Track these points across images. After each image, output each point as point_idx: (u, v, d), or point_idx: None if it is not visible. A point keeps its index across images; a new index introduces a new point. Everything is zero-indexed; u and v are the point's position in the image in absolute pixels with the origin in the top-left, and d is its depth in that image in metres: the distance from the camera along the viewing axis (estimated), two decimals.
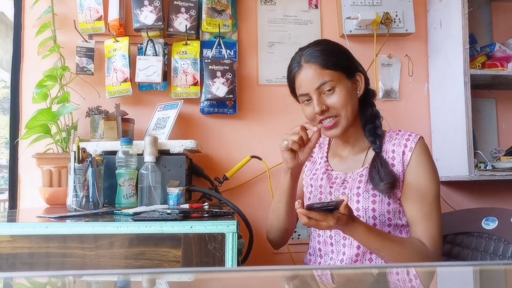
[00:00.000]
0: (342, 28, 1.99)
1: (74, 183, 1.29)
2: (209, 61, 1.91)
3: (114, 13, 1.86)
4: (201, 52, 1.95)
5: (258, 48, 2.02)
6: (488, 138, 2.11)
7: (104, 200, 1.43)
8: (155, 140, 1.47)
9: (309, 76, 1.24)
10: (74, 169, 1.30)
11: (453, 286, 0.66)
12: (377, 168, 1.23)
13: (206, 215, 1.18)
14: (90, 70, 1.86)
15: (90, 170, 1.30)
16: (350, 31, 2.00)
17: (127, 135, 1.75)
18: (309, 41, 1.33)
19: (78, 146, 1.32)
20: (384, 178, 1.21)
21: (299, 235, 1.94)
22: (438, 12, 2.01)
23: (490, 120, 2.13)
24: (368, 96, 1.32)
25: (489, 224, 1.36)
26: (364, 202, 1.24)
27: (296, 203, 1.06)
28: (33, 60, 1.88)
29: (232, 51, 1.98)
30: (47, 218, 1.16)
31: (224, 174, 1.84)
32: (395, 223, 1.25)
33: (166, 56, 1.93)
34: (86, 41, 1.89)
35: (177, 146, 1.59)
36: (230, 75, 1.89)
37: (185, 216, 1.12)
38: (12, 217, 1.32)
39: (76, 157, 1.30)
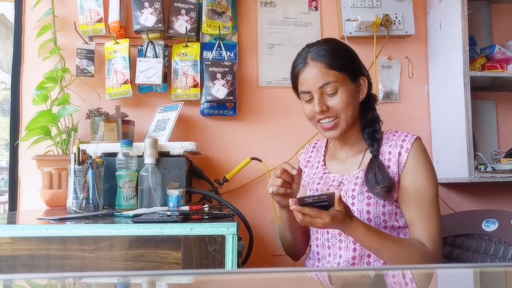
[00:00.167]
0: (342, 30, 1.99)
1: (74, 185, 1.29)
2: (209, 63, 1.91)
3: (114, 15, 1.86)
4: (201, 54, 1.95)
5: (258, 50, 2.02)
6: (488, 140, 2.11)
7: (104, 202, 1.43)
8: (155, 142, 1.47)
9: (313, 74, 1.23)
10: (74, 171, 1.30)
11: None
12: (373, 170, 1.22)
13: (206, 217, 1.18)
14: (90, 72, 1.86)
15: (90, 172, 1.31)
16: (350, 33, 2.00)
17: (127, 137, 1.75)
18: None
19: (78, 148, 1.32)
20: (380, 182, 1.19)
21: None
22: (437, 14, 2.02)
23: (490, 122, 2.13)
24: (369, 100, 1.32)
25: (490, 226, 1.35)
26: (359, 204, 1.23)
27: (290, 200, 1.04)
28: (33, 62, 1.88)
29: (232, 53, 1.99)
30: (47, 220, 1.16)
31: (224, 176, 1.83)
32: (391, 225, 1.24)
33: (166, 58, 1.93)
34: (87, 43, 1.89)
35: (177, 148, 1.59)
36: (230, 77, 1.90)
37: (185, 218, 1.13)
38: (12, 219, 1.31)
39: (76, 159, 1.30)
